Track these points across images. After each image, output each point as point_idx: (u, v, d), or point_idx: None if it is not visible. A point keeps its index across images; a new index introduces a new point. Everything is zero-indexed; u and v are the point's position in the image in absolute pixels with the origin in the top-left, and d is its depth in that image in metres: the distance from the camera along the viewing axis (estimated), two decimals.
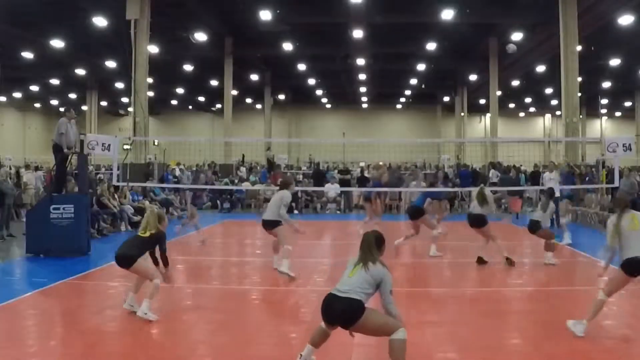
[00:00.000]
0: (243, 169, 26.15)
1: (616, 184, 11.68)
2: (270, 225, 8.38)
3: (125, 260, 6.10)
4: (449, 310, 6.81)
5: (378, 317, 4.47)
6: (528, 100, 43.47)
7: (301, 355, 4.61)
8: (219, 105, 40.61)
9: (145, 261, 6.17)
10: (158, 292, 6.07)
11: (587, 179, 17.76)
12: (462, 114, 41.37)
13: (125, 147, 17.67)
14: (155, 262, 6.30)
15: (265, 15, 22.12)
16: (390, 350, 4.34)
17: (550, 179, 14.21)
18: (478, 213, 9.86)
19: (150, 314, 5.91)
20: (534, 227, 9.70)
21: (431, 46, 26.57)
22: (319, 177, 21.66)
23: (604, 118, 44.45)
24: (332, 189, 19.85)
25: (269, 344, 5.43)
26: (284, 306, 7.15)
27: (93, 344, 5.39)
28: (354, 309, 4.37)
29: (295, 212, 19.64)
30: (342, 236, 13.33)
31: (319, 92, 43.01)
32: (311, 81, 37.70)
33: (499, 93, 31.98)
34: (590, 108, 42.52)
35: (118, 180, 13.25)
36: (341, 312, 4.41)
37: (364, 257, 4.58)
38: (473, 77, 35.40)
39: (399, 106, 47.49)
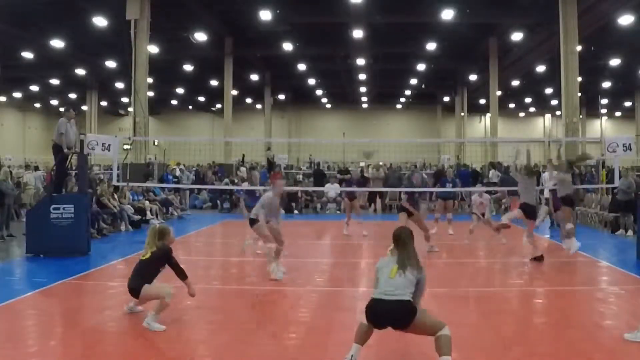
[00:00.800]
0: (243, 169, 26.15)
1: (616, 183, 11.69)
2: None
3: (132, 292, 5.98)
4: (449, 310, 6.80)
5: (428, 317, 4.52)
6: (528, 100, 43.49)
7: (352, 356, 4.54)
8: (219, 105, 40.64)
9: (150, 286, 5.93)
10: (165, 308, 5.84)
11: (586, 179, 17.77)
12: (462, 114, 41.38)
13: (125, 147, 17.68)
14: (180, 277, 6.12)
15: (265, 15, 22.13)
16: (440, 346, 4.40)
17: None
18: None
19: (156, 325, 5.68)
20: None
21: (431, 46, 26.58)
22: (319, 177, 21.67)
23: (604, 118, 44.45)
24: (332, 189, 19.84)
25: (269, 344, 5.42)
26: (284, 306, 7.15)
27: (93, 344, 5.39)
28: (407, 310, 4.40)
29: (296, 212, 19.66)
30: (342, 236, 13.31)
31: (319, 92, 43.03)
32: (311, 81, 37.72)
33: (499, 93, 31.99)
34: (590, 108, 42.54)
35: (118, 180, 13.26)
36: (395, 314, 4.40)
37: (403, 257, 4.57)
38: (473, 77, 35.42)
39: (399, 106, 47.50)
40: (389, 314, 4.41)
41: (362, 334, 4.59)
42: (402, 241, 4.63)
